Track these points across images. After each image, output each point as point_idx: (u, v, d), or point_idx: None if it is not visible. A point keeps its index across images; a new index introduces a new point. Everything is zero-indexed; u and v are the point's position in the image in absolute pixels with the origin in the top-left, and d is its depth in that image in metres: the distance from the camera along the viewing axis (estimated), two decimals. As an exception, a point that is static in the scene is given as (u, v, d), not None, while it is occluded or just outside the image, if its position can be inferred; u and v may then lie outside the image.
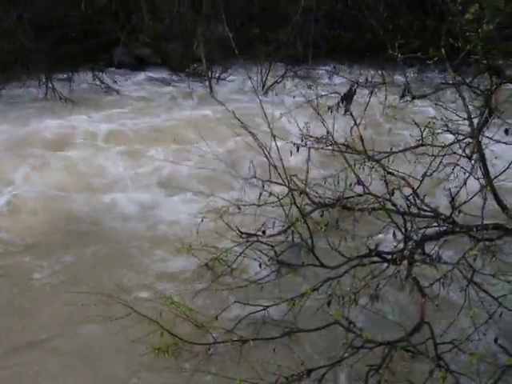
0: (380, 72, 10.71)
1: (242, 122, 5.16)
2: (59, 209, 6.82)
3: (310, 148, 5.23)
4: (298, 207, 4.81)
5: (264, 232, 5.42)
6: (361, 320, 4.63)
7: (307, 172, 5.23)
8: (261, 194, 5.11)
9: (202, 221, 5.33)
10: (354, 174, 4.81)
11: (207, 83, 11.01)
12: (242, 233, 5.44)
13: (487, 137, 5.58)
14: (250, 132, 4.93)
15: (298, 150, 5.47)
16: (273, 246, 5.31)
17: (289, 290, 4.83)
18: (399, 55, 5.84)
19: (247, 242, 5.32)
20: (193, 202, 6.98)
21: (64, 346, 4.65)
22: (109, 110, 10.26)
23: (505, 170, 5.18)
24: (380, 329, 4.61)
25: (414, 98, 6.04)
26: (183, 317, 4.51)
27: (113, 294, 4.63)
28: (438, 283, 4.35)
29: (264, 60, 11.02)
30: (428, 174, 5.30)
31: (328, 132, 5.08)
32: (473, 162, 5.38)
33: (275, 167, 4.84)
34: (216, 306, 4.92)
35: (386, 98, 6.70)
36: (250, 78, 9.91)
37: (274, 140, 4.85)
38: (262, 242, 5.29)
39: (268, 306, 4.59)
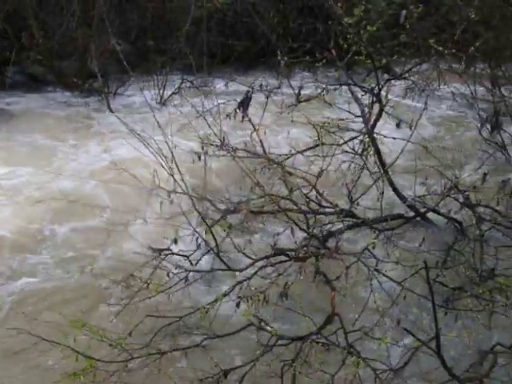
0: (276, 76, 10.99)
1: (138, 135, 5.14)
2: None
3: (206, 155, 5.29)
4: (200, 214, 4.83)
5: (176, 241, 5.41)
6: (277, 319, 4.74)
7: (205, 178, 5.26)
8: (161, 205, 5.10)
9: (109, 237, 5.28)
10: (250, 177, 4.90)
11: (104, 99, 10.85)
12: (153, 248, 5.40)
13: (379, 134, 5.87)
14: (145, 143, 4.92)
15: (199, 159, 5.55)
16: (187, 257, 5.30)
17: (204, 297, 4.88)
18: (285, 58, 6.02)
19: (160, 255, 5.28)
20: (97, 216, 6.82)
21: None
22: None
23: (394, 162, 5.43)
24: (295, 325, 4.73)
25: (308, 99, 6.25)
26: (97, 338, 4.43)
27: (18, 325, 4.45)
28: (350, 276, 4.55)
29: (160, 72, 11.00)
30: (327, 171, 5.52)
31: (224, 138, 5.17)
32: (368, 156, 5.66)
33: (172, 176, 4.83)
34: (133, 322, 4.88)
35: (282, 102, 6.87)
36: (142, 90, 9.90)
37: (171, 150, 4.85)
38: (174, 254, 5.27)
39: (182, 317, 4.60)
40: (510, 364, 4.32)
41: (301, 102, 6.29)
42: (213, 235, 4.67)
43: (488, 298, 4.72)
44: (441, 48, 7.19)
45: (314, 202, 5.06)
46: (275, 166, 5.34)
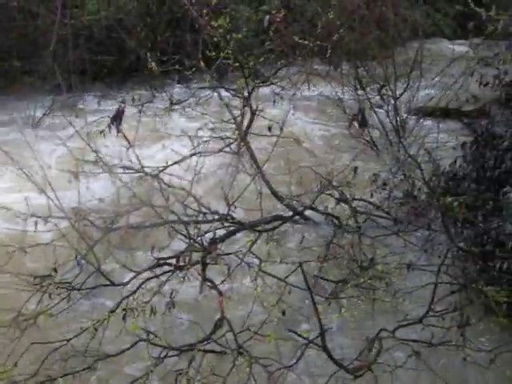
0: (149, 89, 10.98)
1: (11, 158, 4.98)
2: None
3: (81, 174, 5.19)
4: (80, 234, 4.73)
5: (55, 270, 5.25)
6: (167, 329, 4.73)
7: (79, 197, 5.15)
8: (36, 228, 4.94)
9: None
10: (131, 193, 4.87)
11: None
12: (35, 277, 5.21)
13: (255, 134, 6.00)
14: (19, 168, 4.77)
15: (75, 178, 5.44)
16: (70, 283, 5.15)
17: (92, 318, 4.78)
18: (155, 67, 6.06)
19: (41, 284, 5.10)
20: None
21: None
22: None
23: (266, 161, 5.56)
24: (185, 334, 4.75)
25: (180, 102, 6.30)
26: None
27: None
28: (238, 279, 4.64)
29: (29, 93, 10.64)
30: (205, 178, 5.58)
31: (99, 155, 5.10)
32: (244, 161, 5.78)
33: (48, 196, 4.70)
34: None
35: (155, 114, 6.88)
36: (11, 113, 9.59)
37: (44, 173, 4.73)
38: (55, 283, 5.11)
39: (69, 339, 4.49)
40: (394, 347, 4.55)
41: (175, 103, 6.32)
42: (94, 254, 4.60)
43: (369, 287, 4.96)
44: (306, 43, 7.42)
45: (193, 210, 5.09)
46: (152, 178, 5.34)
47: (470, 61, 7.56)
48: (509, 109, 6.25)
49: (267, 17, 7.00)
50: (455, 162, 6.60)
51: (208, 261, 4.76)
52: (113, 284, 4.64)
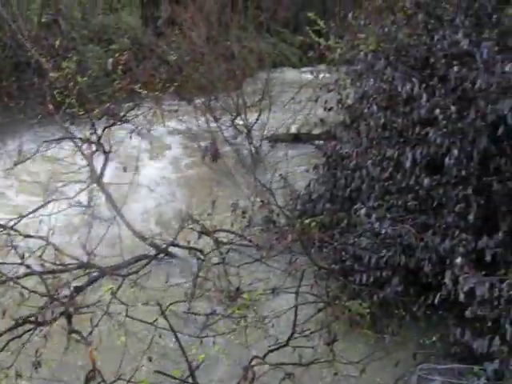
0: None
1: None
2: None
3: None
4: None
5: None
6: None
7: None
8: None
9: None
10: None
11: None
12: None
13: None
14: None
15: None
16: None
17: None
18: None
19: None
20: None
21: None
22: None
23: (123, 205, 5.49)
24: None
25: (28, 158, 6.11)
26: None
27: None
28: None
29: None
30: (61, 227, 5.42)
31: None
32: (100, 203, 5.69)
33: None
34: None
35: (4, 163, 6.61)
36: None
37: None
38: None
39: None
40: (267, 373, 4.60)
41: (21, 162, 6.11)
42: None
43: (239, 316, 5.00)
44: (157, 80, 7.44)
45: (50, 262, 4.92)
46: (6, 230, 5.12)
47: (315, 87, 7.92)
48: (353, 130, 6.59)
49: (110, 60, 6.97)
50: (309, 184, 6.86)
51: (72, 312, 4.59)
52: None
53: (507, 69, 4.60)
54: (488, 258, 4.57)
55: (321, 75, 8.25)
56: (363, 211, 5.45)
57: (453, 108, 4.86)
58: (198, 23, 10.60)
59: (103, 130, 6.35)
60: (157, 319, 4.56)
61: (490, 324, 4.28)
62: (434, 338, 4.73)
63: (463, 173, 4.83)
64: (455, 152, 4.79)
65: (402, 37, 5.85)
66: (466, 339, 4.45)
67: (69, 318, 4.65)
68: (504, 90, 4.55)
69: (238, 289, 5.38)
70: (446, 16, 5.63)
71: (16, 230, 5.23)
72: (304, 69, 11.50)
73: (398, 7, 6.40)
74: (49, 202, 5.85)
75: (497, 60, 4.84)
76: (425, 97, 5.06)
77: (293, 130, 9.32)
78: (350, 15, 7.17)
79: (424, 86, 5.17)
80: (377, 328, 5.03)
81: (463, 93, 4.95)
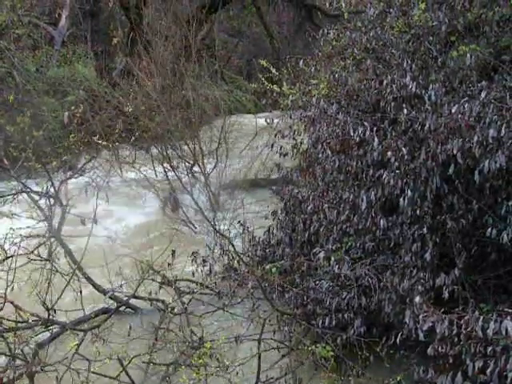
0: None
1: None
2: None
3: None
4: None
5: None
6: None
7: None
8: None
9: None
10: None
11: None
12: None
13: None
14: None
15: None
16: None
17: None
18: None
19: None
20: None
21: None
22: None
23: (81, 259, 5.45)
24: None
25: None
26: None
27: None
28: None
29: None
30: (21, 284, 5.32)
31: None
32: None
33: None
34: None
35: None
36: None
37: None
38: None
39: None
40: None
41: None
42: None
43: (201, 365, 4.95)
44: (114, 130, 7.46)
45: (9, 320, 4.82)
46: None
47: (270, 133, 8.03)
48: (309, 174, 6.67)
49: (66, 113, 7.00)
50: (268, 229, 6.91)
51: (34, 372, 4.50)
52: None
53: (454, 110, 4.74)
54: (445, 295, 4.64)
55: (275, 121, 8.39)
56: (322, 254, 5.49)
57: (404, 150, 4.96)
58: (153, 73, 10.72)
59: (60, 184, 6.31)
60: (120, 374, 4.52)
61: (451, 361, 4.31)
62: (399, 378, 4.74)
63: (418, 212, 4.91)
64: (409, 192, 4.88)
65: (353, 82, 5.99)
66: (430, 377, 4.48)
67: (31, 376, 4.56)
68: (452, 130, 4.68)
69: (200, 338, 5.34)
70: (394, 60, 5.81)
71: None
72: (260, 114, 11.67)
73: (347, 53, 6.60)
74: (7, 257, 5.73)
75: (444, 101, 5.00)
76: (377, 140, 5.17)
77: (250, 175, 9.40)
78: (301, 62, 7.34)
79: (375, 129, 5.28)
80: (342, 370, 5.02)
81: (414, 134, 5.08)
